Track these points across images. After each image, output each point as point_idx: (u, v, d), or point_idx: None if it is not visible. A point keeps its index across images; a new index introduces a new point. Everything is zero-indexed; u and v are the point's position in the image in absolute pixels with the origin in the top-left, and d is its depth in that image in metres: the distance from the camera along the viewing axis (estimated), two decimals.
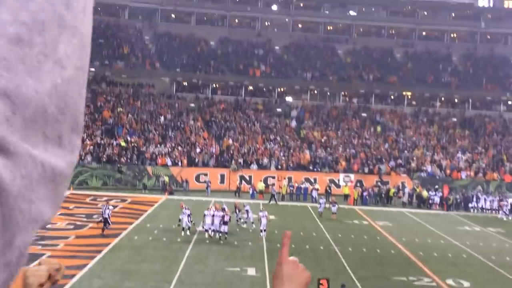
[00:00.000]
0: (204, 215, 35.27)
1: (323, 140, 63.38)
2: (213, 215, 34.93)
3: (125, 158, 54.92)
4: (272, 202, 48.83)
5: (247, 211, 38.49)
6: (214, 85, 72.62)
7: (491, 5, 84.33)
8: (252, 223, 37.66)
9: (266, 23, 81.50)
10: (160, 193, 50.41)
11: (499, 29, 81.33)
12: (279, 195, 51.86)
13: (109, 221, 34.95)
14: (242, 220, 38.92)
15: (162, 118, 63.37)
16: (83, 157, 53.61)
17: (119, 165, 53.47)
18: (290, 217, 43.77)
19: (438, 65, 78.26)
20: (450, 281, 28.06)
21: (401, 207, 51.85)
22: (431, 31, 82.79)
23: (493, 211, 51.85)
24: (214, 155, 57.36)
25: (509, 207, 51.26)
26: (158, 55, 73.08)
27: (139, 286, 24.58)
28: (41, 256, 28.19)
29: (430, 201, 52.03)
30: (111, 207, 37.10)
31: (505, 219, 49.42)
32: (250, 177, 55.24)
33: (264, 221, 35.78)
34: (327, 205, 44.59)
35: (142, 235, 34.56)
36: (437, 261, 32.32)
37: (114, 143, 56.79)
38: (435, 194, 52.44)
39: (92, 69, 68.38)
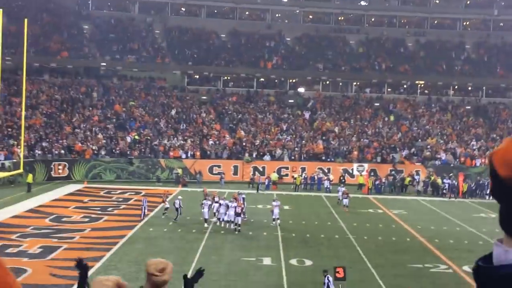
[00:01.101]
0: (220, 204, 35.57)
1: (336, 130, 63.23)
2: (227, 205, 35.01)
3: (138, 151, 55.06)
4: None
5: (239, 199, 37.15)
6: (225, 78, 72.61)
7: None
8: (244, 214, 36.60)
9: (277, 15, 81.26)
10: (174, 185, 50.50)
11: (511, 16, 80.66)
12: (293, 185, 52.01)
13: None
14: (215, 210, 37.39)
15: (174, 111, 63.42)
16: (96, 151, 53.79)
17: (130, 158, 53.64)
18: (304, 207, 43.75)
19: (451, 53, 77.77)
20: (466, 268, 27.86)
21: (416, 196, 51.68)
22: (443, 20, 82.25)
23: None
24: (227, 147, 57.39)
25: None
26: (169, 48, 73.05)
27: None
28: (57, 249, 28.33)
29: (445, 190, 51.74)
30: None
31: None
32: (263, 168, 55.23)
33: (276, 210, 35.88)
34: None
35: (157, 227, 34.61)
36: (453, 248, 32.16)
37: (127, 137, 56.92)
38: (450, 182, 52.18)
39: (104, 64, 68.60)
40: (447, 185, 51.84)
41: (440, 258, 29.67)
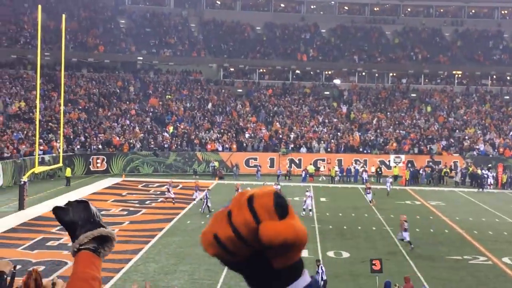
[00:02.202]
0: None
1: (372, 122, 62.91)
2: None
3: (175, 144, 55.48)
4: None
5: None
6: (261, 70, 72.67)
7: None
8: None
9: (312, 7, 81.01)
10: (211, 178, 50.78)
11: None
12: (329, 177, 52.04)
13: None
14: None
15: (210, 104, 63.71)
16: (133, 145, 54.34)
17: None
18: (341, 199, 43.66)
19: (489, 43, 76.76)
20: (506, 259, 27.60)
21: (454, 187, 51.21)
22: (480, 9, 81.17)
23: None
24: (263, 140, 57.50)
25: None
26: (205, 42, 73.34)
27: (193, 269, 24.79)
28: None
29: (484, 181, 51.04)
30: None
31: None
32: (299, 160, 55.24)
33: (308, 201, 36.06)
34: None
35: (194, 219, 34.86)
36: (493, 240, 31.83)
37: (164, 131, 57.40)
38: (489, 173, 51.55)
39: (140, 58, 69.17)
40: (489, 176, 51.11)
41: (479, 250, 29.39)
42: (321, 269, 22.05)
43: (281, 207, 1.49)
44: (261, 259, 1.51)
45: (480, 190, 49.10)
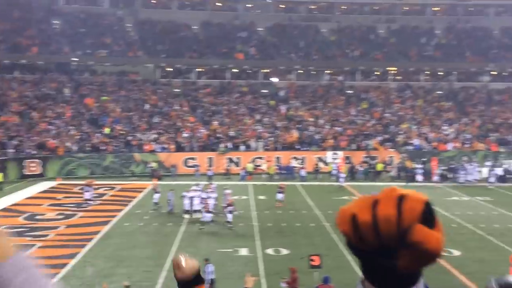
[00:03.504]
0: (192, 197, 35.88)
1: (310, 119, 63.42)
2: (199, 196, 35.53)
3: (112, 146, 54.80)
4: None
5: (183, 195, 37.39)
6: (198, 70, 72.43)
7: None
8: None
9: (248, 5, 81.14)
10: (149, 179, 50.33)
11: (479, 0, 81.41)
12: (267, 175, 52.25)
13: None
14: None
15: (147, 105, 63.17)
16: (69, 148, 53.44)
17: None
18: None
19: (421, 39, 78.33)
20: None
21: (390, 181, 52.03)
22: (412, 6, 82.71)
23: (480, 181, 51.91)
24: (202, 139, 57.33)
25: (498, 174, 51.87)
26: (141, 42, 72.69)
27: (131, 272, 24.59)
28: (32, 247, 28.17)
29: (417, 174, 51.75)
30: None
31: (489, 186, 49.68)
32: (238, 159, 55.29)
33: (228, 198, 36.01)
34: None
35: (133, 221, 34.55)
36: None
37: (100, 132, 56.65)
38: (423, 167, 52.55)
39: (75, 59, 68.06)
40: (419, 170, 52.03)
41: None
42: (209, 268, 22.14)
43: (428, 217, 1.53)
44: (387, 256, 1.54)
45: (408, 183, 49.73)
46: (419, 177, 50.68)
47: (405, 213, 1.51)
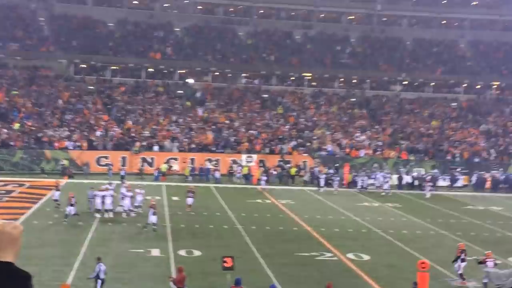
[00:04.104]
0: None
1: (225, 121, 63.46)
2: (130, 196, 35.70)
3: (22, 142, 53.23)
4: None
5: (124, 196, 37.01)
6: (113, 67, 71.33)
7: None
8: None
9: (165, 5, 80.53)
10: (60, 176, 49.12)
11: (394, 11, 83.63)
12: (182, 176, 51.97)
13: None
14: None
15: (60, 101, 61.71)
16: None
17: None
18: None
19: (337, 47, 79.73)
20: (350, 255, 28.75)
21: (303, 186, 52.66)
22: (329, 13, 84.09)
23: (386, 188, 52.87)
24: (115, 138, 56.45)
25: (408, 182, 53.41)
26: (54, 37, 71.00)
27: (40, 271, 23.88)
28: None
29: (320, 180, 52.00)
30: None
31: (399, 193, 50.90)
32: (152, 159, 54.74)
33: (139, 198, 36.26)
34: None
35: (42, 219, 33.65)
36: (338, 236, 33.06)
37: (9, 127, 54.95)
38: (333, 172, 53.38)
39: None
40: (332, 175, 52.69)
41: (325, 246, 30.41)
42: (100, 267, 21.94)
43: None
44: None
45: (319, 189, 50.40)
46: (335, 183, 51.19)
47: None
